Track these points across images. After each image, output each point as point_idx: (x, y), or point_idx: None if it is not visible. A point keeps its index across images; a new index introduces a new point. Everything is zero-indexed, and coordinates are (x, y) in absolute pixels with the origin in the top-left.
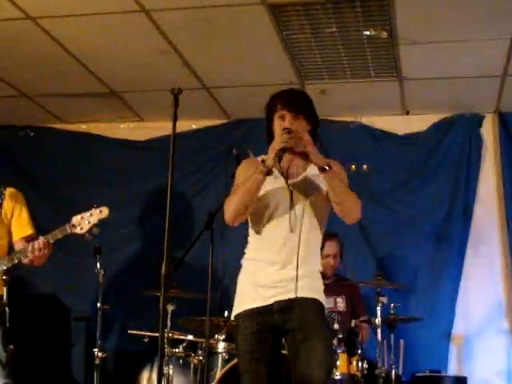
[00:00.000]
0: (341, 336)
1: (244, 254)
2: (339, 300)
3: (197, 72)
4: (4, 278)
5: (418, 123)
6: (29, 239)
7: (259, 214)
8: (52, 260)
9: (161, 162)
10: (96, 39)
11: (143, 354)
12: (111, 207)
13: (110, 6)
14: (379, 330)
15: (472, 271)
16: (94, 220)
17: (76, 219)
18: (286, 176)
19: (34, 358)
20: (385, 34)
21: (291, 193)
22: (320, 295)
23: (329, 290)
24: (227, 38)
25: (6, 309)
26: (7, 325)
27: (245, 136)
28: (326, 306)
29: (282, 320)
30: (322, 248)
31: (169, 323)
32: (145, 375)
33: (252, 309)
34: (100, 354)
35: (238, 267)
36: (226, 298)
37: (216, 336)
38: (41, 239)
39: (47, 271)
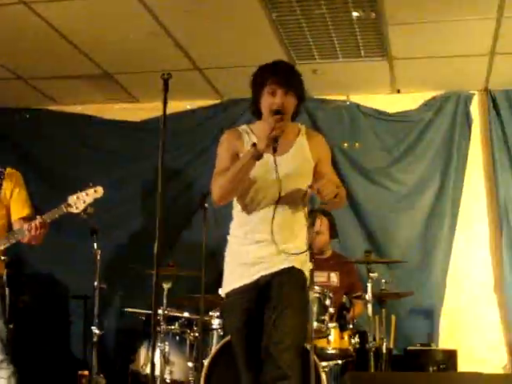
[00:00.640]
0: (332, 311)
1: (229, 229)
2: (333, 275)
3: (189, 53)
4: (3, 258)
5: (408, 102)
6: (27, 219)
7: (245, 190)
8: (50, 240)
9: (156, 143)
10: (89, 22)
11: (140, 331)
12: (108, 187)
13: None
14: (370, 306)
15: (462, 246)
16: (89, 199)
17: (72, 199)
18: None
19: (34, 336)
20: (373, 15)
21: (277, 170)
22: (304, 266)
23: (323, 266)
24: (218, 19)
25: (6, 288)
26: (7, 303)
27: (238, 115)
28: (319, 279)
29: (266, 293)
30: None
31: (165, 301)
32: (142, 352)
33: (240, 287)
34: (98, 332)
35: None
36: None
37: (211, 313)
38: (38, 219)
39: (45, 251)
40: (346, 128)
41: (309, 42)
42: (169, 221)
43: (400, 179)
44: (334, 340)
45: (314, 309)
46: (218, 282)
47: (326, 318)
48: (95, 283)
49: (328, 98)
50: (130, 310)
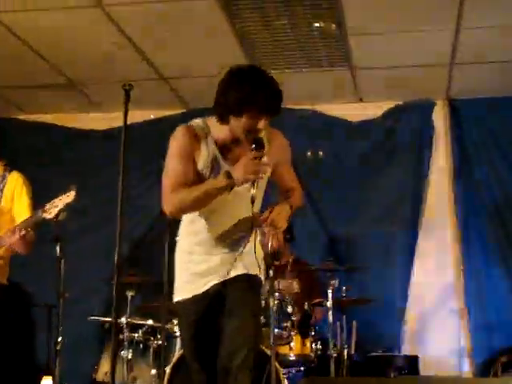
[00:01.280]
0: (294, 318)
1: (178, 229)
2: (294, 282)
3: (154, 63)
4: None
5: (371, 110)
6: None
7: None
8: None
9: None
10: (54, 32)
11: (104, 339)
12: (76, 195)
13: (67, 1)
14: (330, 312)
15: (424, 254)
16: (62, 205)
17: (49, 204)
18: (224, 160)
19: None
20: (333, 26)
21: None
22: (255, 270)
23: (283, 272)
24: (181, 30)
25: None
26: None
27: None
28: (281, 286)
29: (217, 302)
30: None
31: (128, 309)
32: (105, 360)
33: (189, 298)
34: (61, 340)
35: None
36: None
37: (174, 320)
38: (11, 227)
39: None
40: (309, 137)
41: (272, 52)
42: (132, 229)
43: (363, 187)
44: (296, 347)
45: (275, 315)
46: None
47: (288, 324)
48: (59, 291)
49: (292, 107)
50: (93, 317)
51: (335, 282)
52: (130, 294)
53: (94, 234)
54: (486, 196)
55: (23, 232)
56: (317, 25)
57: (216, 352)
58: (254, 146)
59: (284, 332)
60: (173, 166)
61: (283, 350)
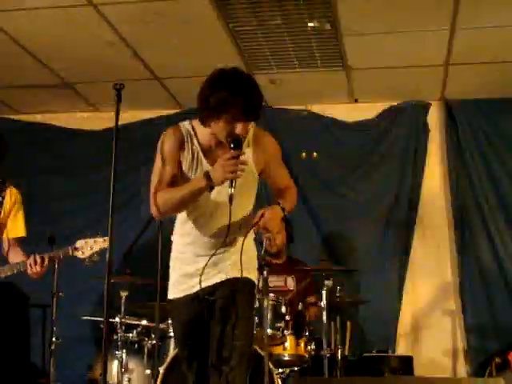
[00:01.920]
0: (288, 319)
1: (173, 229)
2: (289, 279)
3: (147, 63)
4: None
5: (366, 111)
6: (19, 241)
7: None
8: None
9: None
10: (47, 32)
11: (98, 339)
12: (68, 195)
13: (59, 0)
14: (324, 313)
15: (419, 254)
16: (97, 248)
17: (80, 243)
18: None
19: None
20: (328, 26)
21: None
22: (249, 272)
23: (280, 270)
24: (175, 30)
25: None
26: None
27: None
28: (276, 284)
29: (208, 304)
30: None
31: (122, 308)
32: (101, 361)
33: (180, 298)
34: (56, 340)
35: None
36: None
37: (168, 321)
38: (38, 256)
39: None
40: (304, 137)
41: (265, 52)
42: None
43: (357, 188)
44: (290, 347)
45: (269, 316)
46: None
47: (282, 325)
48: (53, 291)
49: (287, 107)
50: (87, 317)
51: (330, 283)
52: (124, 294)
53: (91, 233)
54: (481, 197)
55: (46, 263)
56: (311, 25)
57: (207, 353)
58: (232, 145)
59: (278, 332)
60: (158, 166)
61: (277, 350)
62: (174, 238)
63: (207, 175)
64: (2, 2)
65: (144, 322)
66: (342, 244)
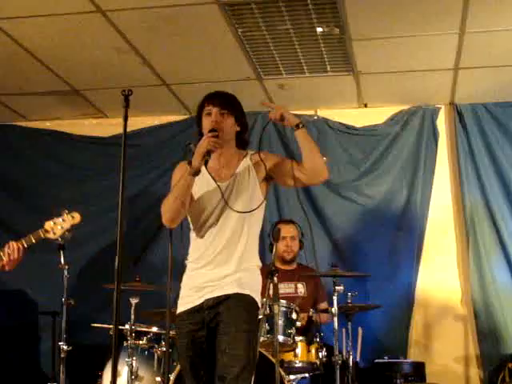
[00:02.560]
0: (299, 325)
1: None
2: (300, 286)
3: (156, 69)
4: None
5: (375, 116)
6: None
7: (196, 216)
8: None
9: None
10: (55, 39)
11: (108, 346)
12: (78, 202)
13: (67, 7)
14: (336, 319)
15: (430, 259)
16: (67, 225)
17: (48, 224)
18: (213, 177)
19: (2, 352)
20: (337, 31)
21: (223, 195)
22: (252, 290)
23: (290, 276)
24: (184, 36)
25: None
26: None
27: None
28: (287, 291)
29: (211, 317)
30: (279, 233)
31: (132, 316)
32: (110, 367)
33: (185, 310)
34: (66, 348)
35: None
36: None
37: None
38: (12, 244)
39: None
40: None
41: (274, 57)
42: (137, 235)
43: (367, 193)
44: (301, 353)
45: (281, 322)
46: None
47: (293, 331)
48: (63, 299)
49: (296, 112)
50: (97, 325)
51: (341, 288)
52: (134, 301)
53: (101, 240)
54: (492, 200)
55: (23, 251)
56: (320, 30)
57: (212, 368)
58: (208, 132)
59: (289, 339)
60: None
61: (288, 356)
62: (187, 260)
63: (189, 162)
64: (12, 10)
65: (154, 329)
66: (353, 249)
